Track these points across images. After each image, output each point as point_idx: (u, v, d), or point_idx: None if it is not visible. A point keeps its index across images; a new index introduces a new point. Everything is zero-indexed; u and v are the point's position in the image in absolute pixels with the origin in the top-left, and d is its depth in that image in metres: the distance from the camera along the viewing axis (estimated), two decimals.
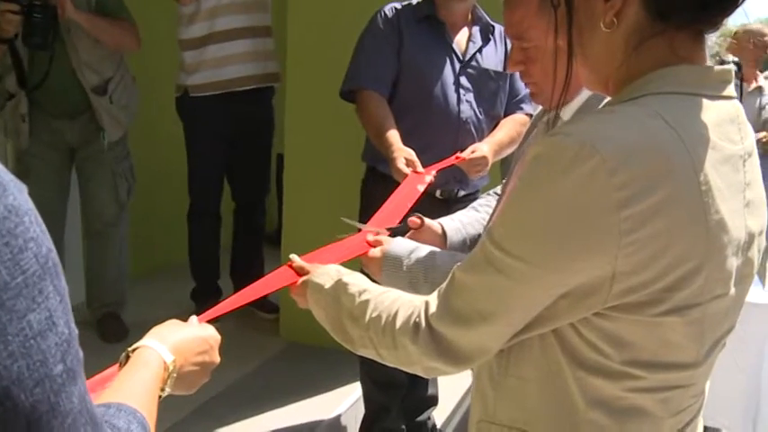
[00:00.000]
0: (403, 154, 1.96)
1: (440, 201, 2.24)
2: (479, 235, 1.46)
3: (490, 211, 1.53)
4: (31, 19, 2.64)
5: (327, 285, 1.04)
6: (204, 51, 3.12)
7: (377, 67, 2.19)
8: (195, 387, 0.90)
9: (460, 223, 1.47)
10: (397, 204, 1.59)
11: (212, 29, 3.10)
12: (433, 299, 0.86)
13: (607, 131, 0.73)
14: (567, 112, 1.14)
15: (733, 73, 0.82)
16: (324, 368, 2.83)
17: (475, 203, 1.58)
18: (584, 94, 1.11)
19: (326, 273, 1.07)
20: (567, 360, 0.80)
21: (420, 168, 1.91)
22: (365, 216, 2.37)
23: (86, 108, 2.93)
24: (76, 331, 0.48)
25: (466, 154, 2.05)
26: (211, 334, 0.92)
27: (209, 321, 0.99)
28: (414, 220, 1.42)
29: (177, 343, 0.85)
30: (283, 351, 3.15)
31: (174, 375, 0.81)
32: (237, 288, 1.11)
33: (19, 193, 0.43)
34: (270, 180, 3.59)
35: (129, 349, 0.81)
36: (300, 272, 1.14)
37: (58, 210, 3.03)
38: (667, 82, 0.77)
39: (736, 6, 0.77)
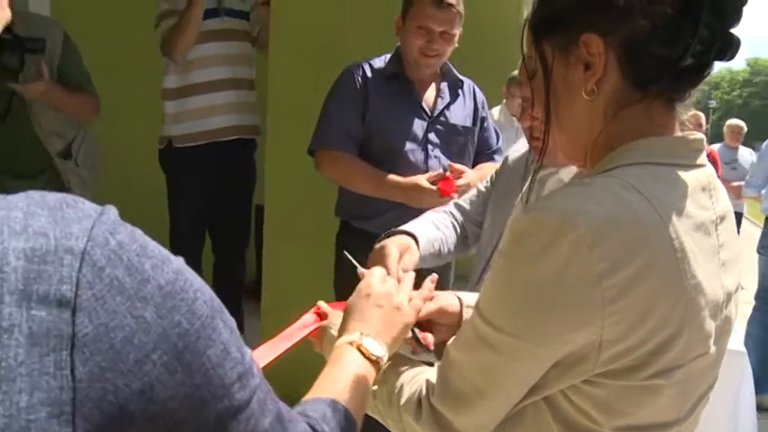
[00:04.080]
0: (421, 179, 2.10)
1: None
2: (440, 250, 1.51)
3: (449, 232, 1.57)
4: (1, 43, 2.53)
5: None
6: (187, 102, 3.17)
7: (341, 127, 2.23)
8: (400, 318, 0.96)
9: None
10: None
11: (196, 79, 3.15)
12: (433, 378, 0.88)
13: (584, 205, 0.75)
14: (566, 174, 1.17)
15: (704, 142, 0.85)
16: None
17: (434, 219, 1.58)
18: None
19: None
20: (559, 426, 0.81)
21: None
22: (340, 270, 2.40)
23: (48, 166, 2.88)
24: (248, 350, 0.57)
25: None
26: (361, 293, 0.98)
27: None
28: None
29: (352, 316, 0.94)
30: None
31: (365, 336, 0.89)
32: None
33: (177, 259, 0.52)
34: (250, 232, 3.61)
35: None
36: (324, 317, 1.16)
37: None
38: (641, 153, 0.80)
39: (703, 79, 0.81)
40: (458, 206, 1.70)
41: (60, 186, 2.92)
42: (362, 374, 0.84)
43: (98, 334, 0.44)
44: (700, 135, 0.84)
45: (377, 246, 1.35)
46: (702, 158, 0.84)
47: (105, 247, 0.47)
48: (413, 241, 1.42)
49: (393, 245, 1.34)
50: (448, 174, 2.12)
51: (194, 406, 0.50)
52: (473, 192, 1.73)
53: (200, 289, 0.52)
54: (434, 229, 1.54)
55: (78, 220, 0.47)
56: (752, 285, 4.14)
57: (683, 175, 0.81)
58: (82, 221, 0.47)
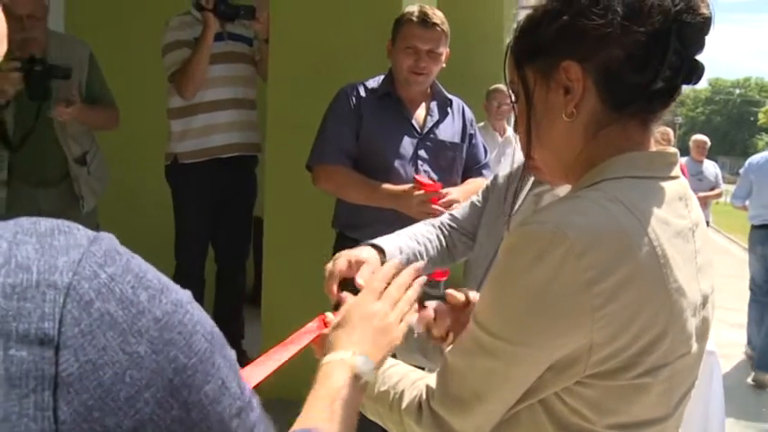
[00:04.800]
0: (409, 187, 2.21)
1: None
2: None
3: (432, 243, 1.60)
4: (32, 73, 2.69)
5: None
6: (192, 120, 3.32)
7: (337, 144, 2.36)
8: (390, 339, 0.92)
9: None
10: None
11: (201, 99, 3.30)
12: (432, 383, 0.92)
13: (574, 218, 0.80)
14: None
15: (678, 156, 0.91)
16: None
17: (416, 232, 1.61)
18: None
19: None
20: (554, 426, 0.86)
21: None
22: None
23: (63, 177, 3.00)
24: (249, 387, 0.55)
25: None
26: (351, 309, 0.95)
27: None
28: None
29: (345, 330, 0.91)
30: (263, 406, 3.22)
31: (357, 355, 0.86)
32: None
33: (178, 289, 0.50)
34: (250, 243, 3.77)
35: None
36: (328, 325, 1.17)
37: None
38: (623, 167, 0.86)
39: (673, 100, 0.89)
40: (451, 217, 1.75)
41: (74, 196, 3.05)
42: (352, 396, 0.82)
43: (85, 372, 0.42)
44: (674, 150, 0.91)
45: (335, 256, 1.37)
46: (677, 171, 0.90)
47: (94, 281, 0.44)
48: (375, 254, 1.41)
49: (344, 257, 1.34)
50: (419, 177, 2.26)
51: None
52: (467, 204, 1.79)
53: (200, 322, 0.49)
54: (409, 240, 1.58)
55: (66, 251, 0.45)
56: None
57: (662, 186, 0.86)
58: (70, 252, 0.45)
